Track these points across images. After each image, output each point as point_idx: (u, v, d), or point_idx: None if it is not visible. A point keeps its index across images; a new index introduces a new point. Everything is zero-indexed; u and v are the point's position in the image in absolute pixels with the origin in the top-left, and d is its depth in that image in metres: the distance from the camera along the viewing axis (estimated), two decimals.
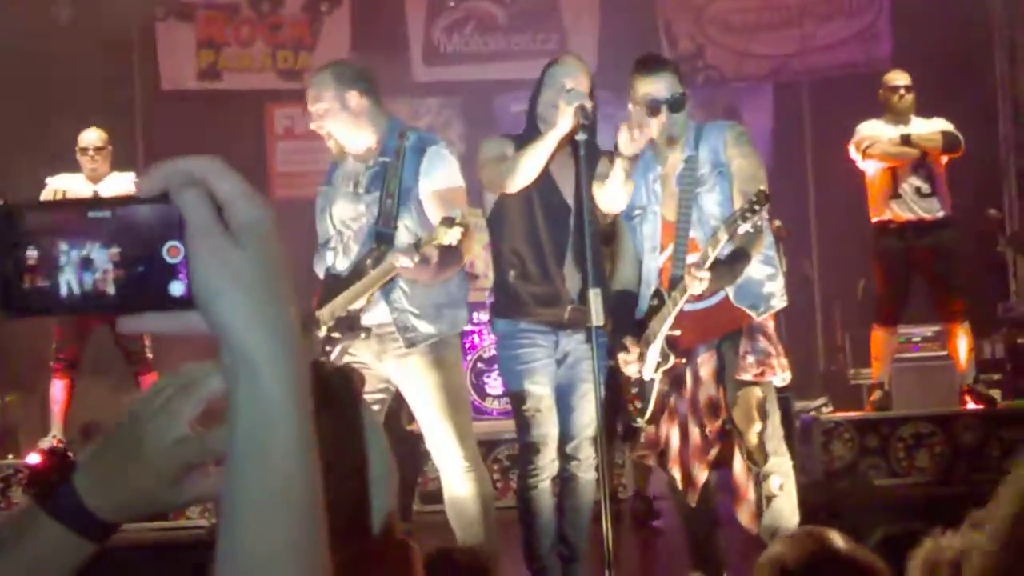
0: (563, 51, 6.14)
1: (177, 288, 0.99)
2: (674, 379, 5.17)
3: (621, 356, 5.14)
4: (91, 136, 8.21)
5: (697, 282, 4.78)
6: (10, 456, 8.55)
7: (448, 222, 4.90)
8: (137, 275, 1.00)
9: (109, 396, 9.20)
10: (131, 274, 1.00)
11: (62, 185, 8.12)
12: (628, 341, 5.13)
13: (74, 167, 8.23)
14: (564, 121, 5.05)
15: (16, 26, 9.53)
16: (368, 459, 1.61)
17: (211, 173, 1.00)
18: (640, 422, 5.22)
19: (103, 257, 1.00)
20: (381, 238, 5.16)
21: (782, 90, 11.49)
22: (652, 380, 5.13)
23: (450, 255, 5.08)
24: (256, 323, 0.98)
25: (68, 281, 1.01)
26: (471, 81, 11.38)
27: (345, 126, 5.25)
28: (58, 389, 8.10)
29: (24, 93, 9.85)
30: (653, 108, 5.04)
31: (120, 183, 8.22)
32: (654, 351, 5.08)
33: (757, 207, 4.76)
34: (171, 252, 0.99)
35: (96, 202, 1.02)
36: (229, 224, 0.99)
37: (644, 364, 5.11)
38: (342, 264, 5.30)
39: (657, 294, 5.12)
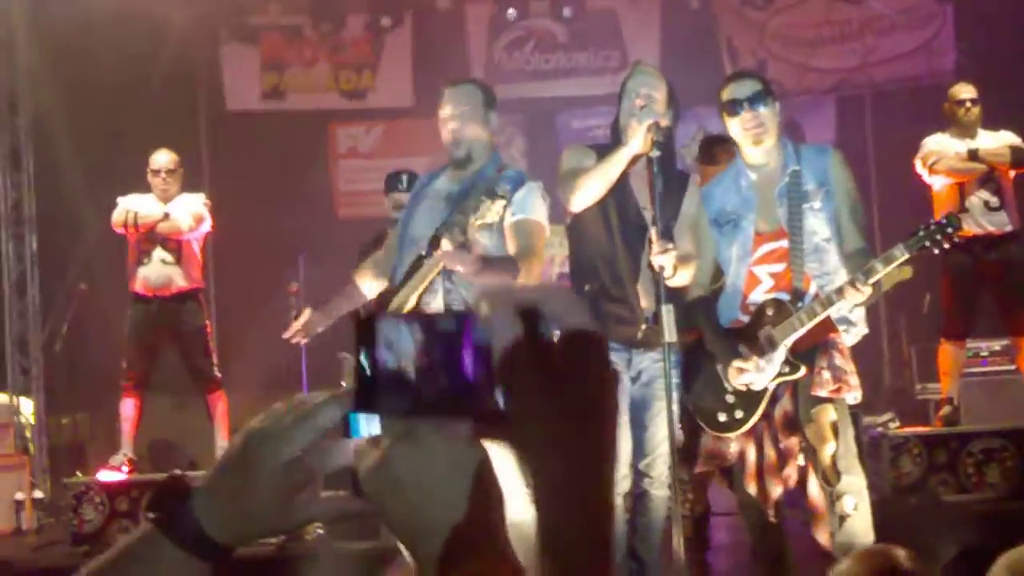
0: (629, 65, 6.12)
1: (503, 399, 1.04)
2: None
3: (737, 363, 5.04)
4: (163, 158, 8.32)
5: (860, 295, 4.78)
6: (78, 473, 8.65)
7: (491, 194, 4.89)
8: (460, 379, 1.06)
9: (176, 415, 9.31)
10: (445, 371, 1.06)
11: (133, 205, 8.22)
12: (742, 348, 5.05)
13: (143, 187, 8.33)
14: (635, 140, 5.06)
15: (86, 51, 9.69)
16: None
17: (543, 298, 1.04)
18: (732, 435, 5.14)
19: (408, 345, 1.07)
20: (436, 242, 5.12)
21: (844, 104, 11.45)
22: (764, 390, 5.05)
23: (501, 261, 5.06)
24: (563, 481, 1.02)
25: (387, 363, 1.08)
26: (532, 98, 11.42)
27: (475, 139, 5.26)
28: (128, 407, 8.18)
29: (94, 114, 9.98)
30: (733, 109, 5.09)
31: (189, 203, 8.31)
32: (774, 360, 5.02)
33: (950, 231, 4.78)
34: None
35: (446, 316, 1.10)
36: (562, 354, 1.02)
37: (761, 373, 5.04)
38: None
39: (775, 303, 5.05)
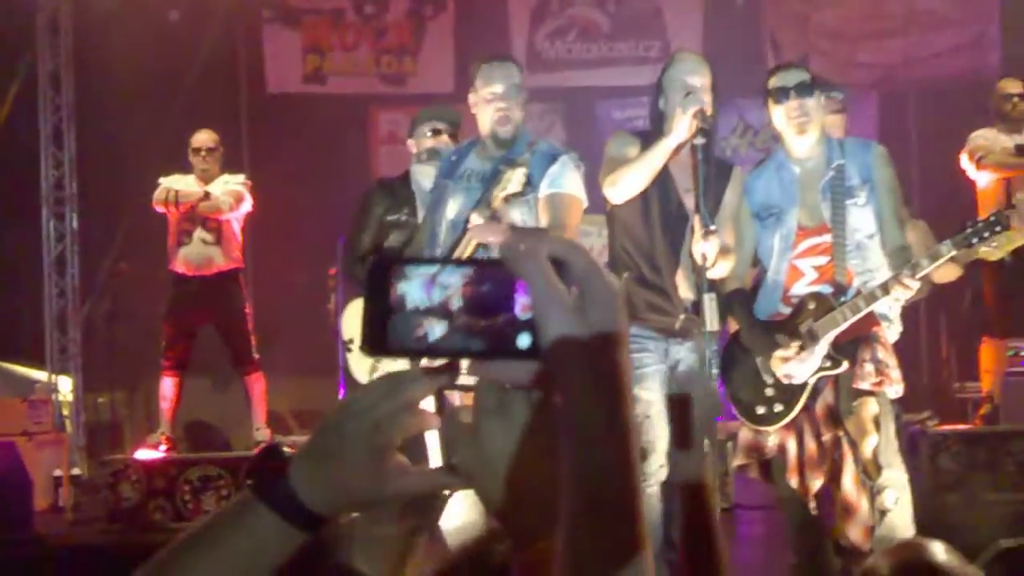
0: (674, 52, 6.09)
1: (524, 340, 1.07)
2: None
3: (779, 354, 5.03)
4: (203, 138, 8.34)
5: (907, 290, 4.76)
6: (116, 453, 8.69)
7: (510, 163, 4.90)
8: (486, 317, 1.08)
9: (214, 395, 9.35)
10: (480, 305, 1.09)
11: (174, 185, 8.25)
12: (781, 338, 5.04)
13: (184, 167, 8.36)
14: (680, 128, 5.02)
15: (128, 31, 9.73)
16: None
17: (569, 250, 1.07)
18: (770, 429, 5.12)
19: (455, 278, 1.09)
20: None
21: (887, 100, 11.36)
22: (804, 384, 5.03)
23: (531, 231, 4.98)
24: (598, 395, 1.04)
25: (416, 301, 1.09)
26: (574, 87, 11.39)
27: (519, 120, 5.25)
28: (167, 387, 8.20)
29: (135, 94, 10.02)
30: (778, 97, 5.08)
31: (230, 184, 8.33)
32: (816, 354, 5.00)
33: (999, 229, 4.76)
34: (523, 309, 1.07)
35: (459, 261, 1.13)
36: (583, 298, 1.05)
37: (803, 364, 5.02)
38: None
39: (817, 296, 5.03)
